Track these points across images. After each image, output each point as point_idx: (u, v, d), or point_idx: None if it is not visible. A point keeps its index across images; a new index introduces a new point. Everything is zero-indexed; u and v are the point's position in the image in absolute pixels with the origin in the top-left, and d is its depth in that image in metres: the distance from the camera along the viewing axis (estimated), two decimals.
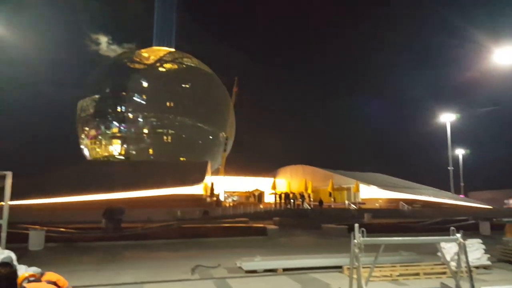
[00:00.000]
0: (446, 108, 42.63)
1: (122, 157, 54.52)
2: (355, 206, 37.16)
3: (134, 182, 30.37)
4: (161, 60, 60.68)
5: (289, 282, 8.09)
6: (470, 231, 17.45)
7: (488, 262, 9.32)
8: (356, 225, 5.29)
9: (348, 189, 44.06)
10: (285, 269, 8.97)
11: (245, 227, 18.94)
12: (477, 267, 8.99)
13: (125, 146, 54.95)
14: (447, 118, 40.25)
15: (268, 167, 61.17)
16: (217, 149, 60.98)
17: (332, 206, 40.38)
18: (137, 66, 58.49)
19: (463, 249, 5.89)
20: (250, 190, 49.53)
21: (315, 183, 47.00)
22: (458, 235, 5.91)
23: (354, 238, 5.17)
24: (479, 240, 9.54)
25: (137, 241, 14.97)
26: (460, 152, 43.32)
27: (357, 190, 41.33)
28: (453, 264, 6.41)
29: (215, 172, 52.94)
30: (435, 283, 6.59)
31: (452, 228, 6.09)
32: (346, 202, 40.53)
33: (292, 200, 37.77)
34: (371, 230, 16.02)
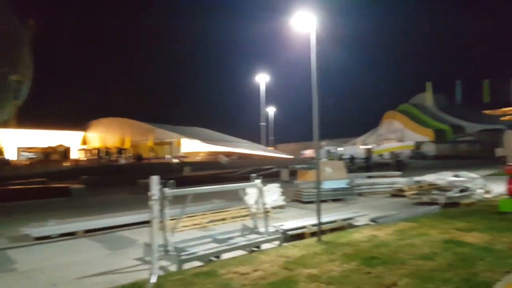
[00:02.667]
0: (261, 69, 48.02)
1: None
2: (177, 160, 38.05)
3: None
4: None
5: (89, 243, 7.50)
6: (274, 177, 20.75)
7: (283, 203, 11.27)
8: (156, 176, 5.17)
9: (170, 143, 44.48)
10: (87, 231, 8.23)
11: (42, 188, 16.45)
12: (274, 208, 10.74)
13: None
14: (261, 79, 45.38)
15: (77, 120, 54.41)
16: (4, 95, 49.18)
17: (153, 161, 40.06)
18: None
19: (261, 193, 6.72)
20: (53, 146, 43.07)
21: (135, 138, 45.15)
22: (257, 181, 6.67)
23: (154, 191, 5.05)
24: (278, 185, 11.34)
25: None
26: (271, 109, 50.06)
27: (179, 144, 42.26)
28: (254, 206, 7.30)
29: (2, 124, 43.12)
30: (238, 225, 7.40)
31: (253, 175, 6.82)
32: (168, 156, 40.96)
33: (107, 156, 35.16)
34: (190, 182, 16.85)
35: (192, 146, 43.79)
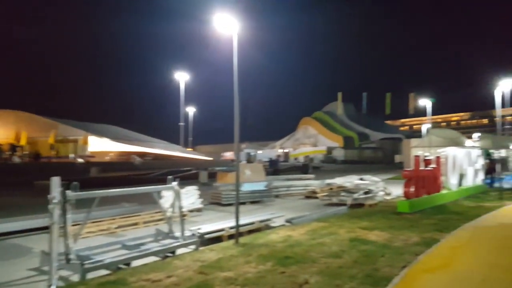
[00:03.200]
0: (183, 69, 46.73)
1: None
2: (83, 159, 35.05)
3: None
4: None
5: None
6: (192, 179, 20.39)
7: (201, 205, 11.11)
8: (57, 177, 4.69)
9: (76, 141, 40.82)
10: None
11: None
12: (191, 211, 10.53)
13: None
14: (181, 77, 44.28)
15: None
16: None
17: (54, 161, 36.31)
18: None
19: (177, 196, 6.52)
20: None
21: (33, 134, 40.43)
22: (174, 183, 6.47)
23: (55, 193, 4.57)
24: (195, 187, 11.16)
25: None
26: (190, 110, 49.24)
27: (86, 142, 39.04)
28: (170, 210, 7.05)
29: None
30: (151, 230, 7.08)
31: (169, 177, 6.60)
32: (72, 155, 37.51)
33: None
34: (97, 184, 15.62)
35: (101, 145, 40.72)
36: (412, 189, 10.97)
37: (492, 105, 14.84)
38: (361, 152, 73.40)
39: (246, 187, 12.86)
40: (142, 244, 6.26)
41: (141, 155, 39.68)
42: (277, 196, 14.38)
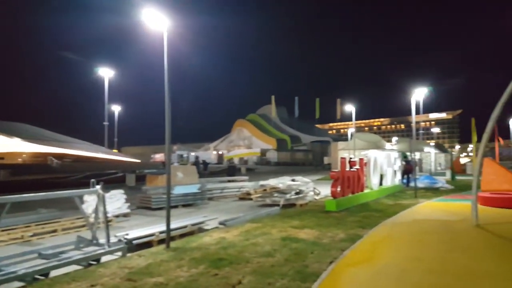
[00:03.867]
0: (111, 66, 44.09)
1: None
2: None
3: None
4: None
5: None
6: (119, 183, 19.42)
7: (128, 210, 10.63)
8: None
9: None
10: None
11: None
12: (117, 216, 10.03)
13: None
14: (105, 73, 41.93)
15: None
16: None
17: None
18: None
19: (101, 200, 6.19)
20: None
21: None
22: (98, 186, 6.14)
23: None
24: (121, 191, 10.64)
25: None
26: (116, 108, 46.73)
27: None
28: (93, 216, 6.65)
29: None
30: (72, 237, 6.61)
31: (92, 180, 6.24)
32: None
33: None
34: (7, 188, 14.11)
35: (11, 146, 36.77)
36: (338, 189, 11.73)
37: (408, 112, 16.53)
38: (293, 154, 76.23)
39: (178, 190, 12.62)
40: (62, 252, 5.82)
41: (59, 156, 36.62)
42: (210, 199, 14.33)
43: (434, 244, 6.87)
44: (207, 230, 8.40)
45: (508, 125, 33.77)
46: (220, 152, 78.04)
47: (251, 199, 13.65)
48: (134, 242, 6.77)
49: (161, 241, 6.99)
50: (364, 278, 4.95)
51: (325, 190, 14.52)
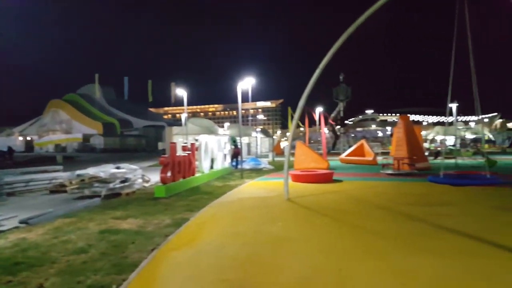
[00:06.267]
0: None
1: None
2: None
3: None
4: None
5: None
6: None
7: None
8: None
9: None
10: None
11: None
12: None
13: None
14: None
15: None
16: None
17: None
18: None
19: None
20: None
21: None
22: None
23: None
24: None
25: None
26: None
27: None
28: None
29: None
30: None
31: None
32: None
33: None
34: None
35: None
36: (168, 174, 11.76)
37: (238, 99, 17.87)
38: (124, 139, 72.36)
39: None
40: None
41: None
42: (11, 194, 12.20)
43: (252, 219, 7.69)
44: (1, 232, 7.11)
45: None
46: (28, 138, 67.42)
47: (65, 191, 12.24)
48: None
49: None
50: (185, 259, 5.12)
51: (156, 177, 14.32)
